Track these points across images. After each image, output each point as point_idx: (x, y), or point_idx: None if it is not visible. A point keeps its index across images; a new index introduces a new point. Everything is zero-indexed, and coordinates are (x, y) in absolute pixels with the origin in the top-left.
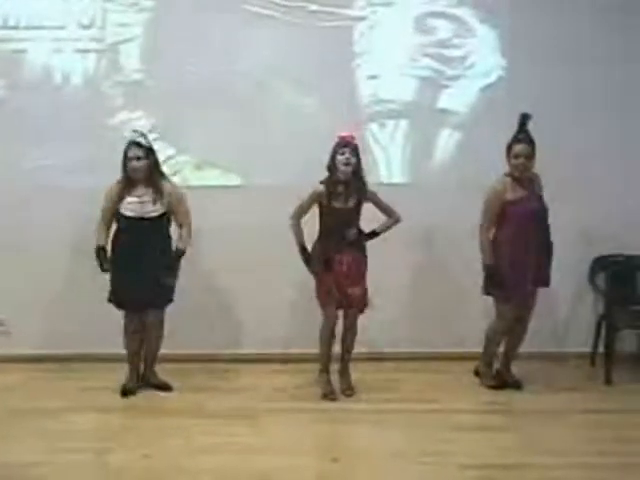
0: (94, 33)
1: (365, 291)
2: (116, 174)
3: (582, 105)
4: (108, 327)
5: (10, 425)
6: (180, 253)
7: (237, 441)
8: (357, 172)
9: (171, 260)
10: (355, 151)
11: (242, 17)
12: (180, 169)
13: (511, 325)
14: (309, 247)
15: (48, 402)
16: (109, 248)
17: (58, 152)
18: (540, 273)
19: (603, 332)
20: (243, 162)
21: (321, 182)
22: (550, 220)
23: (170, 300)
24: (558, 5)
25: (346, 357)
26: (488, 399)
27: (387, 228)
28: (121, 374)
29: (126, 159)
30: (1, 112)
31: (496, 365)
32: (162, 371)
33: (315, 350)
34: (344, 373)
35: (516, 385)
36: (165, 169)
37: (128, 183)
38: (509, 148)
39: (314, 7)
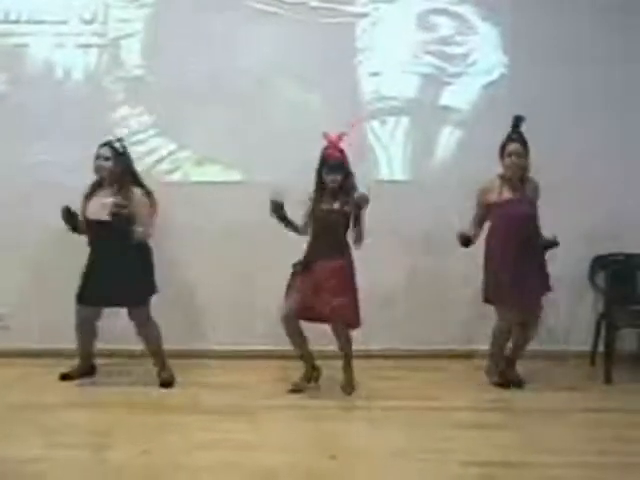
0: (96, 28)
1: (353, 305)
2: None
3: (583, 104)
4: (106, 323)
5: (8, 420)
6: (137, 234)
7: (235, 438)
8: (343, 185)
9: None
10: (344, 168)
11: (244, 13)
12: (181, 165)
13: (513, 325)
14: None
15: (46, 397)
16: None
17: (59, 147)
18: (542, 279)
19: (603, 331)
20: (244, 158)
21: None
22: (550, 219)
23: (145, 297)
24: (559, 4)
25: (345, 357)
26: (488, 397)
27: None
28: (118, 370)
29: (96, 157)
30: (2, 107)
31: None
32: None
33: (317, 347)
34: (345, 371)
35: (518, 384)
36: (166, 165)
37: (97, 185)
38: (502, 148)
39: (316, 4)
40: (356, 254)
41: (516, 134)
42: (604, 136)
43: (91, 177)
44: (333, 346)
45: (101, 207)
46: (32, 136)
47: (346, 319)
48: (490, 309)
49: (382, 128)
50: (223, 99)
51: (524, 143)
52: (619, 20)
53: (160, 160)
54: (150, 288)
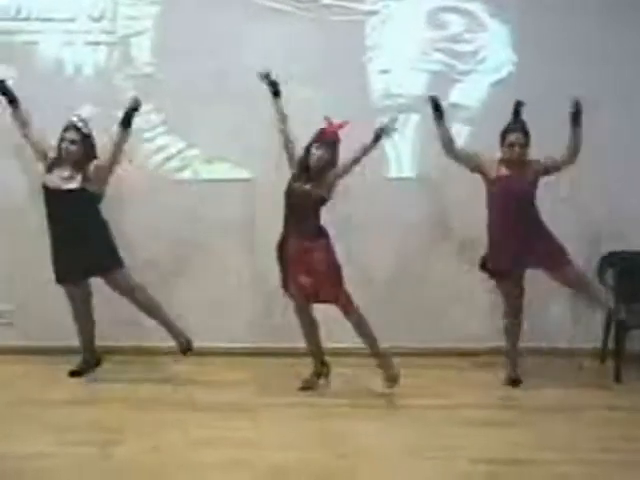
0: (105, 26)
1: (333, 285)
2: (127, 166)
3: (591, 101)
4: (111, 320)
5: (13, 417)
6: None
7: (242, 435)
8: (326, 167)
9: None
10: (332, 148)
11: (253, 11)
12: (190, 163)
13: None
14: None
15: (50, 394)
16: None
17: None
18: (539, 256)
19: (613, 329)
20: (253, 156)
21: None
22: (558, 217)
23: (116, 261)
24: (568, 1)
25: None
26: (497, 395)
27: None
28: (123, 366)
29: (61, 140)
30: None
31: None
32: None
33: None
34: (379, 365)
35: (513, 382)
36: (175, 163)
37: (57, 161)
38: (503, 136)
39: (325, 1)
40: (366, 251)
41: (517, 122)
42: (612, 134)
43: None
44: (336, 343)
45: (60, 180)
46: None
47: (331, 299)
48: (496, 307)
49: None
50: (232, 97)
51: (524, 131)
52: (629, 17)
53: (169, 158)
54: (117, 257)
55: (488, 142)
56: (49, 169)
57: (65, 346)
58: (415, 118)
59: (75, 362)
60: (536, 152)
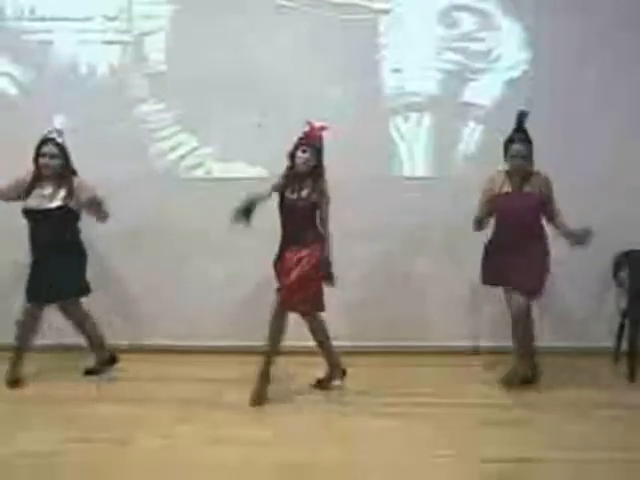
0: (120, 25)
1: (303, 289)
2: (141, 165)
3: (608, 97)
4: (122, 320)
5: (28, 414)
6: (92, 200)
7: (256, 433)
8: (316, 168)
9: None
10: (317, 151)
11: (267, 9)
12: (204, 161)
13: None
14: None
15: (64, 392)
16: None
17: (82, 142)
18: (523, 278)
19: (627, 329)
20: (267, 154)
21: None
22: (574, 214)
23: (80, 291)
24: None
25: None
26: (510, 394)
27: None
28: (135, 365)
29: (39, 155)
30: (28, 103)
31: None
32: (186, 362)
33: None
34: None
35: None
36: (189, 161)
37: (37, 178)
38: (505, 147)
39: (338, 0)
40: (381, 250)
41: (519, 133)
42: (626, 133)
43: (111, 171)
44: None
45: (41, 198)
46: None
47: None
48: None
49: (405, 124)
50: (246, 95)
51: (527, 142)
52: None
53: (183, 156)
54: (85, 285)
55: (502, 142)
56: (27, 192)
57: (78, 345)
58: (428, 117)
59: (89, 360)
60: (550, 150)
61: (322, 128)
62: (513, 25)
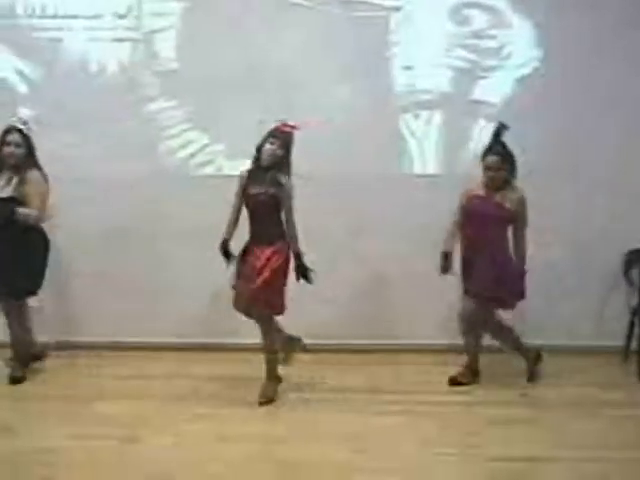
0: (130, 22)
1: (269, 289)
2: (148, 164)
3: (619, 94)
4: (138, 316)
5: (39, 411)
6: (18, 214)
7: (263, 430)
8: (280, 164)
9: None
10: (285, 143)
11: (278, 6)
12: (214, 158)
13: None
14: None
15: (77, 389)
16: None
17: (93, 140)
18: (484, 285)
19: (637, 327)
20: None
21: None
22: (585, 213)
23: (26, 291)
24: None
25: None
26: (518, 392)
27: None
28: (148, 362)
29: (3, 143)
30: (38, 100)
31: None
32: (201, 360)
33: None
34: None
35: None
36: (200, 158)
37: None
38: (482, 159)
39: None
40: (393, 247)
41: (494, 145)
42: (636, 130)
43: (121, 168)
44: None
45: None
46: (67, 129)
47: (253, 302)
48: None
49: (415, 122)
50: (256, 92)
51: (502, 154)
52: None
53: (194, 154)
54: (35, 282)
55: (512, 139)
56: None
57: (88, 342)
58: (439, 115)
59: (95, 358)
60: (561, 147)
61: (294, 126)
62: (524, 22)
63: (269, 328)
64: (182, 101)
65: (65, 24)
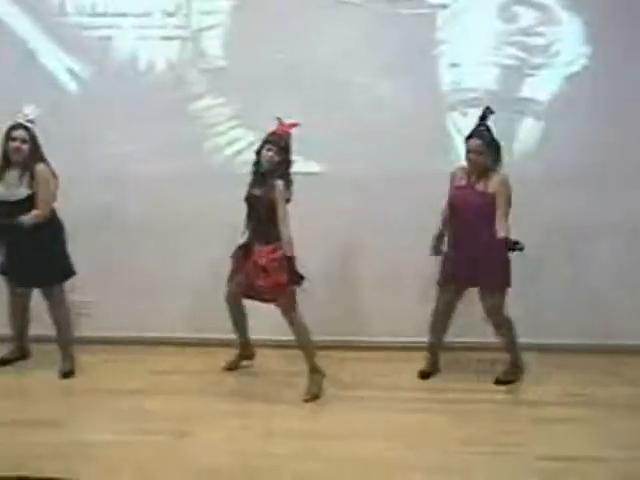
0: (179, 20)
1: (276, 283)
2: (195, 161)
3: None
4: (178, 312)
5: (86, 405)
6: (19, 223)
7: (311, 427)
8: (277, 169)
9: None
10: (282, 148)
11: (325, 4)
12: None
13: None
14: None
15: (123, 384)
16: None
17: (142, 137)
18: (475, 273)
19: None
20: (323, 150)
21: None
22: (617, 209)
23: (57, 277)
24: None
25: (305, 355)
26: (566, 391)
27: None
28: (191, 357)
29: (9, 139)
30: (88, 98)
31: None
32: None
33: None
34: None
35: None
36: (246, 156)
37: (5, 165)
38: (465, 141)
39: None
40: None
41: (479, 129)
42: None
43: (168, 166)
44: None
45: (6, 188)
46: (116, 126)
47: (274, 298)
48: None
49: (463, 120)
50: (303, 90)
51: (485, 138)
52: None
53: (240, 151)
54: (64, 268)
55: (561, 138)
56: None
57: (139, 337)
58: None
59: (150, 353)
60: (611, 145)
61: (292, 126)
62: (573, 19)
63: (294, 317)
64: (229, 99)
65: (114, 22)
